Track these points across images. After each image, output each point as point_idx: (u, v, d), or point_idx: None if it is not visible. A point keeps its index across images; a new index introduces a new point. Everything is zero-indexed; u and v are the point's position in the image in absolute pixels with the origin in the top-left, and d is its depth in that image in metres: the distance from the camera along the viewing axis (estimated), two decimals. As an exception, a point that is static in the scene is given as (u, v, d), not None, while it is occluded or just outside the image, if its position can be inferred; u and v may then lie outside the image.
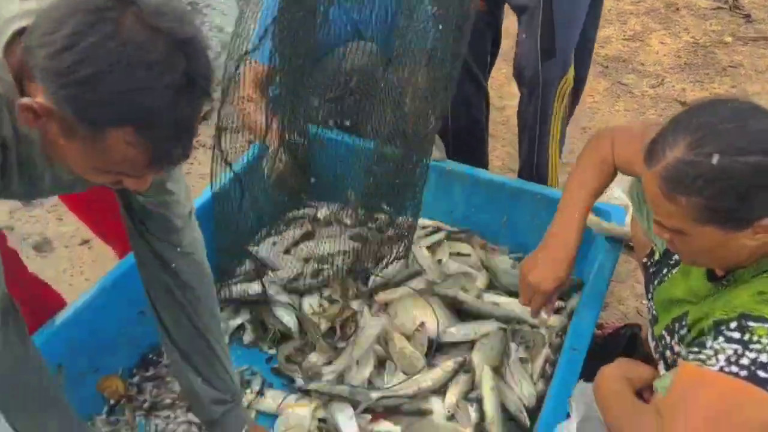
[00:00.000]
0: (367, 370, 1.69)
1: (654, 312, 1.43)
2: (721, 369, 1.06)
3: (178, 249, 1.30)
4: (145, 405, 1.66)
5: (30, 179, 1.02)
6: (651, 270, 1.49)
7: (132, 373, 1.75)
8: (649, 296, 1.47)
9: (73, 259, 2.66)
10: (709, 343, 1.10)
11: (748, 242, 1.09)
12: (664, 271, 1.43)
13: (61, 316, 1.54)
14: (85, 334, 1.57)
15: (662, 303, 1.39)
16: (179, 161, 0.93)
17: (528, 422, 1.58)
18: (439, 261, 2.00)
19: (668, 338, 1.33)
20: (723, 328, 1.09)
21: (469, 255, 2.04)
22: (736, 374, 1.04)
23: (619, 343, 1.71)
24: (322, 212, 2.10)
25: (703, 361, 1.08)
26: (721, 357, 1.06)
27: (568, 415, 1.36)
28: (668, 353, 1.33)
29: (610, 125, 3.06)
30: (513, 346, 1.73)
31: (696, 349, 1.12)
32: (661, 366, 1.36)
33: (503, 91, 3.17)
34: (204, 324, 1.36)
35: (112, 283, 1.64)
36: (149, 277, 1.35)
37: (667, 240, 1.19)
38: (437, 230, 2.10)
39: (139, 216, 1.27)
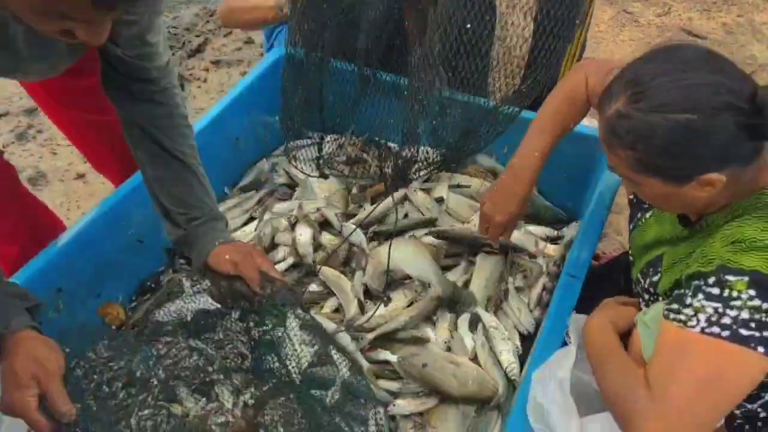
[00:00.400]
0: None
1: (631, 257, 1.44)
2: (703, 330, 1.04)
3: (153, 87, 1.34)
4: (146, 331, 1.68)
5: (4, 44, 0.97)
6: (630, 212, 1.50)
7: (132, 300, 1.76)
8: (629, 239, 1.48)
9: (69, 193, 2.67)
10: (688, 300, 1.08)
11: (698, 194, 1.08)
12: (638, 215, 1.44)
13: (61, 240, 1.54)
14: (84, 259, 1.58)
15: (637, 247, 1.40)
16: (127, 1, 0.85)
17: (520, 350, 1.60)
18: (440, 199, 1.98)
19: (643, 281, 1.34)
20: (701, 283, 1.07)
21: (469, 186, 2.03)
22: (719, 335, 1.03)
23: (617, 270, 1.71)
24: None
25: (684, 322, 1.07)
26: (702, 317, 1.05)
27: (565, 343, 1.38)
28: (646, 295, 1.34)
29: (614, 56, 3.00)
30: (510, 279, 1.75)
31: (676, 307, 1.10)
32: (642, 305, 1.36)
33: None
34: (180, 151, 1.39)
35: (111, 208, 1.64)
36: (127, 121, 1.38)
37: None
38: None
39: (115, 66, 1.28)
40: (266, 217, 1.91)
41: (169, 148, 1.39)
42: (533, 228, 1.90)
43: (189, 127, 1.46)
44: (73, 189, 2.70)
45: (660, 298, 1.26)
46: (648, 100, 1.03)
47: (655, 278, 1.29)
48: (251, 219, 1.97)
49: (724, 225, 1.12)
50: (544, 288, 1.72)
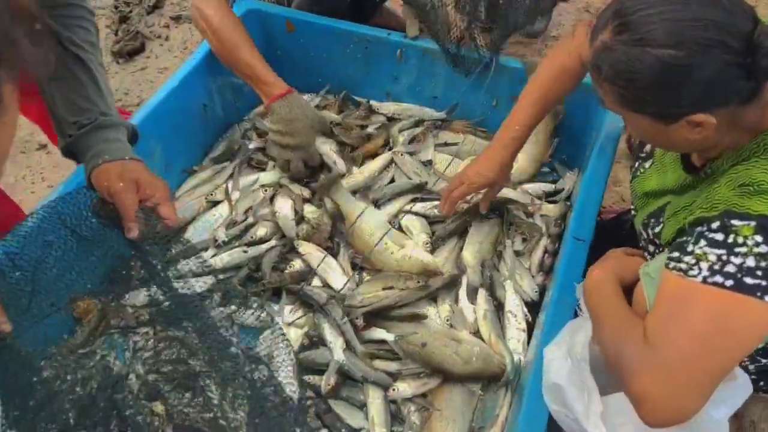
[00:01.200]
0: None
1: (633, 209, 1.36)
2: (705, 280, 0.96)
3: None
4: (122, 323, 1.55)
5: None
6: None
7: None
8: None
9: (32, 165, 2.55)
10: (689, 248, 1.00)
11: (688, 135, 0.99)
12: (636, 164, 1.35)
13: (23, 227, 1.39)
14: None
15: (638, 198, 1.32)
16: None
17: (529, 317, 1.50)
18: (428, 162, 1.85)
19: (645, 233, 1.26)
20: (704, 229, 1.00)
21: (456, 143, 1.90)
22: (722, 284, 0.95)
23: (621, 229, 1.61)
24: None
25: (685, 272, 0.99)
26: (704, 265, 0.97)
27: (575, 314, 1.28)
28: (651, 247, 1.25)
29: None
30: (508, 242, 1.64)
31: (677, 255, 1.02)
32: (648, 258, 1.27)
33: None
34: (76, 44, 1.20)
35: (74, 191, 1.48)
36: None
37: None
38: (417, 123, 1.94)
39: None
40: (235, 195, 1.75)
41: (64, 39, 1.20)
42: (528, 186, 1.78)
43: (92, 22, 1.27)
44: (37, 160, 2.56)
45: (665, 250, 1.17)
46: (632, 32, 0.95)
47: (658, 229, 1.21)
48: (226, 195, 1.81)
49: (729, 169, 1.04)
50: (545, 251, 1.61)
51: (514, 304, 1.49)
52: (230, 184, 1.77)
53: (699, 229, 1.01)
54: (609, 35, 0.97)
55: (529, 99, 1.46)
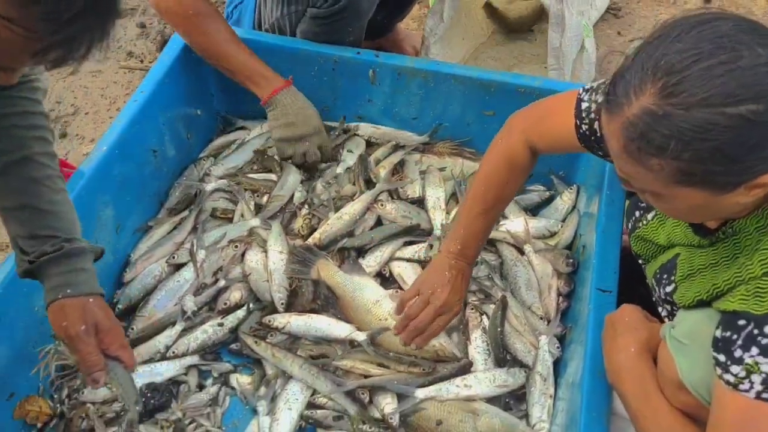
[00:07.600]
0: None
1: (639, 259, 1.21)
2: (759, 395, 0.86)
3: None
4: (83, 424, 1.34)
5: None
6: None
7: (52, 386, 1.38)
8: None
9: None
10: (737, 352, 0.87)
11: (741, 200, 0.83)
12: (637, 214, 1.21)
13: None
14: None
15: (643, 249, 1.19)
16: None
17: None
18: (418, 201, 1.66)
19: (658, 289, 1.12)
20: (755, 331, 0.86)
21: (443, 168, 1.71)
22: None
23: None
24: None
25: (734, 385, 0.88)
26: (756, 379, 0.85)
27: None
28: (667, 306, 1.11)
29: None
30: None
31: (723, 359, 0.89)
32: (664, 314, 1.14)
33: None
34: (35, 160, 1.13)
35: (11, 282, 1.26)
36: None
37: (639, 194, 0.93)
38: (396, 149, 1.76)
39: None
40: (201, 255, 1.53)
41: (27, 155, 1.12)
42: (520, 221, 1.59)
43: (49, 130, 1.19)
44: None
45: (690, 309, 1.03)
46: (690, 92, 0.76)
47: (670, 288, 1.08)
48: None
49: (755, 234, 0.90)
50: (559, 293, 1.45)
51: (545, 366, 1.34)
52: (194, 242, 1.54)
53: (748, 330, 0.86)
54: (654, 98, 0.78)
55: (479, 202, 1.28)
